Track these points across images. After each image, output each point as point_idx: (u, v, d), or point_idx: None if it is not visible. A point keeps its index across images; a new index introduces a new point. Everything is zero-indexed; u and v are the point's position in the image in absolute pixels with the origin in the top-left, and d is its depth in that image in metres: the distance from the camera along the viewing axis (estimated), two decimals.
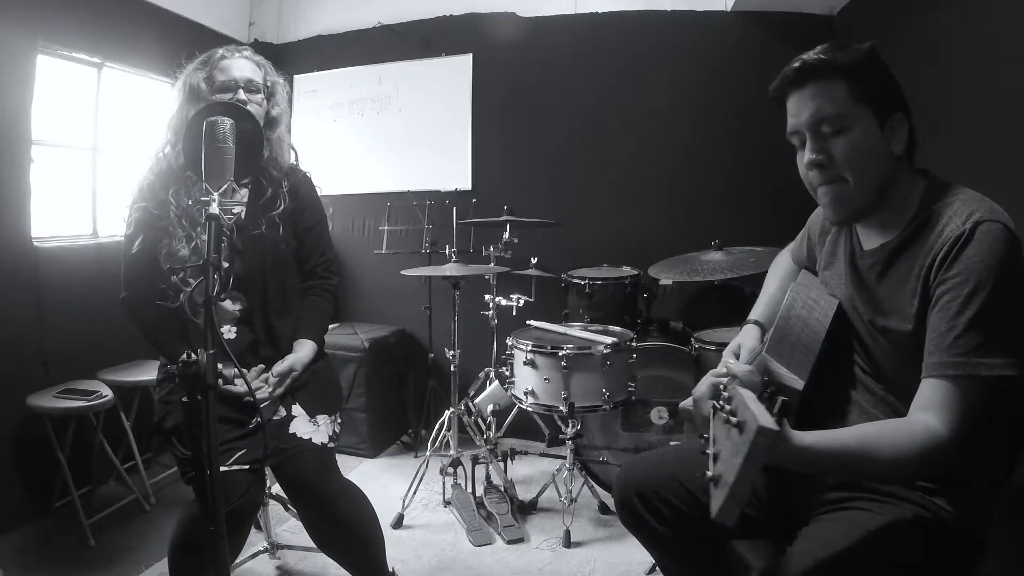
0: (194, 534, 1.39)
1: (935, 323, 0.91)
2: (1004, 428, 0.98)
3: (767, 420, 0.67)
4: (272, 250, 1.57)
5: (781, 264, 1.43)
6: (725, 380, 0.91)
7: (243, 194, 1.58)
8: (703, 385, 0.92)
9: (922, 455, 0.85)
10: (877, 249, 1.04)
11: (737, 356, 1.25)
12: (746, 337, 1.28)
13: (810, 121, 0.99)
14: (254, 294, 1.55)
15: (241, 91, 1.53)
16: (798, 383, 0.98)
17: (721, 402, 0.81)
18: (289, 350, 1.57)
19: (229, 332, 1.55)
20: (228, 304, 1.54)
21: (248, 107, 1.50)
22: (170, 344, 1.52)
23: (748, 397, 0.75)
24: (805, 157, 1.02)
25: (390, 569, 1.74)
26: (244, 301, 1.55)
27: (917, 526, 0.96)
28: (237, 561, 1.95)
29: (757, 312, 1.35)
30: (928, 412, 0.88)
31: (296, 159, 1.72)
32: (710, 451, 0.78)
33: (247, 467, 1.40)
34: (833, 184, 1.01)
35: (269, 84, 1.63)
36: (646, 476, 1.23)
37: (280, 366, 1.51)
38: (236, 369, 1.28)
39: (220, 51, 1.57)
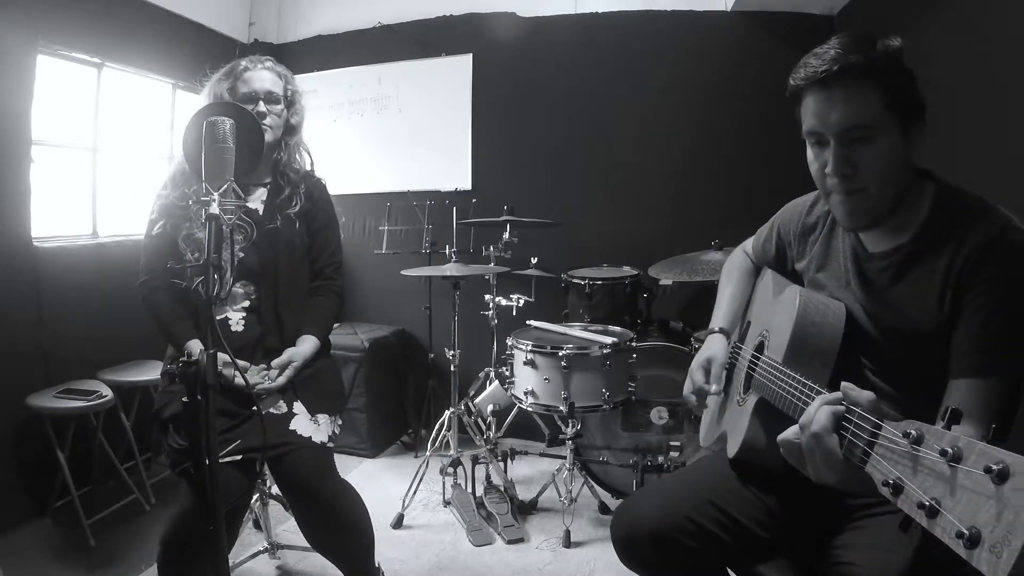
0: (185, 531, 1.41)
1: (968, 325, 0.92)
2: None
3: None
4: (286, 244, 1.65)
5: (737, 263, 1.42)
6: (842, 409, 0.80)
7: (262, 192, 1.68)
8: (822, 417, 0.79)
9: None
10: (889, 252, 1.02)
11: (707, 371, 1.25)
12: (715, 349, 1.27)
13: (839, 127, 0.93)
14: (266, 285, 1.63)
15: (261, 103, 1.63)
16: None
17: (904, 439, 0.69)
18: (293, 342, 1.62)
19: (238, 324, 1.60)
20: (239, 290, 1.60)
21: (267, 118, 1.62)
22: (178, 329, 1.56)
23: (960, 437, 0.65)
24: (829, 164, 0.96)
25: (377, 565, 1.75)
26: (256, 292, 1.62)
27: None
28: (237, 561, 1.96)
29: (719, 318, 1.33)
30: (968, 413, 0.88)
31: (312, 165, 1.81)
32: (924, 501, 0.65)
33: (239, 458, 1.42)
34: (852, 195, 0.97)
35: (290, 93, 1.71)
36: (656, 521, 1.15)
37: (279, 358, 1.56)
38: (235, 366, 1.29)
39: (243, 63, 1.66)
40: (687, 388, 1.29)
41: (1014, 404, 0.90)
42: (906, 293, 1.00)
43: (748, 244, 1.43)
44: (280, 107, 1.67)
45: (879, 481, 0.72)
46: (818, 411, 0.80)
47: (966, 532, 0.61)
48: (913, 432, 0.69)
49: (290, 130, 1.72)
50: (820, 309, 1.07)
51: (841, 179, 0.96)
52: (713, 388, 1.22)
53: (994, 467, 0.60)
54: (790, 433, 0.87)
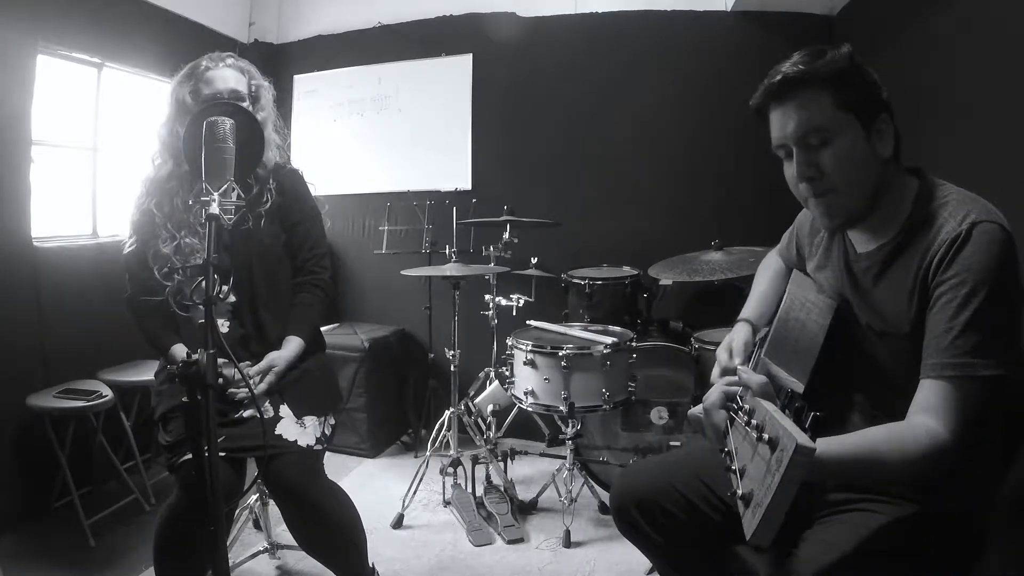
0: (176, 526, 1.42)
1: (933, 324, 0.91)
2: (999, 423, 0.98)
3: (804, 438, 0.63)
4: (259, 245, 1.61)
5: (770, 264, 1.43)
6: (737, 390, 0.87)
7: (236, 194, 1.62)
8: (714, 394, 0.88)
9: (926, 458, 0.85)
10: (873, 252, 1.04)
11: (731, 354, 1.24)
12: (737, 335, 1.27)
13: (796, 134, 0.98)
14: (243, 289, 1.59)
15: None
16: (798, 387, 0.98)
17: (742, 414, 0.77)
18: (278, 345, 1.59)
19: (223, 327, 1.58)
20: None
21: None
22: (162, 338, 1.57)
23: (774, 411, 0.71)
24: (794, 170, 1.00)
25: (372, 565, 1.74)
26: (233, 295, 1.59)
27: (919, 524, 0.97)
28: (237, 561, 1.96)
29: (748, 311, 1.34)
30: (928, 414, 0.88)
31: (288, 158, 1.77)
32: (735, 467, 0.73)
33: (222, 454, 1.40)
34: (823, 197, 1.00)
35: (254, 89, 1.65)
36: (644, 486, 1.22)
37: (259, 364, 1.53)
38: (234, 366, 1.29)
39: (204, 62, 1.59)
40: (714, 374, 1.24)
41: (987, 405, 0.88)
42: (885, 293, 1.01)
43: (779, 246, 1.44)
44: (245, 104, 1.59)
45: (725, 450, 0.80)
46: (714, 390, 0.89)
47: (741, 492, 0.70)
48: (747, 406, 0.75)
49: None
50: (806, 306, 1.08)
51: (809, 183, 1.00)
52: (737, 361, 1.20)
53: (767, 436, 0.68)
54: (697, 409, 0.97)
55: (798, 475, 0.63)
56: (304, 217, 1.70)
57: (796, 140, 0.98)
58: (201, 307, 1.44)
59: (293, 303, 1.66)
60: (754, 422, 0.72)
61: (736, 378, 0.89)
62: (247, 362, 1.55)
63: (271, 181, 1.64)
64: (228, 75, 1.59)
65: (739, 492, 0.69)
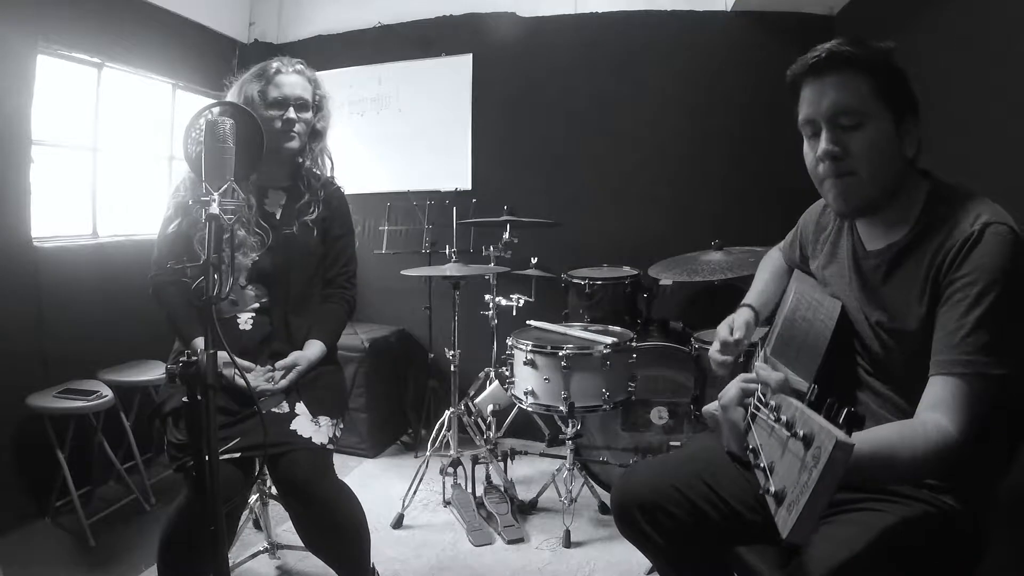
0: (183, 528, 1.41)
1: (944, 322, 0.92)
2: (1004, 422, 0.98)
3: (842, 434, 0.62)
4: (301, 250, 1.66)
5: (773, 259, 1.43)
6: (755, 387, 0.86)
7: (281, 196, 1.69)
8: (731, 391, 0.88)
9: (937, 455, 0.85)
10: (883, 250, 1.04)
11: (731, 330, 1.24)
12: (739, 316, 1.27)
13: (829, 111, 0.97)
14: (277, 289, 1.64)
15: (291, 109, 1.63)
16: (803, 385, 0.98)
17: (766, 410, 0.75)
18: (299, 347, 1.62)
19: (246, 323, 1.60)
20: (250, 292, 1.61)
21: (297, 125, 1.62)
22: (187, 325, 1.56)
23: (804, 407, 0.70)
24: (819, 147, 0.99)
25: (372, 566, 1.75)
26: (267, 295, 1.63)
27: (926, 523, 0.97)
28: (237, 561, 1.96)
29: (751, 297, 1.35)
30: (938, 411, 0.88)
31: (332, 170, 1.81)
32: (762, 463, 0.71)
33: (237, 455, 1.42)
34: (842, 178, 0.99)
35: (318, 99, 1.72)
36: (646, 487, 1.22)
37: (284, 360, 1.57)
38: (235, 366, 1.29)
39: (275, 64, 1.64)
40: (713, 348, 1.26)
41: (994, 403, 0.88)
42: (895, 291, 1.02)
43: (782, 243, 1.45)
44: (309, 114, 1.68)
45: (749, 447, 0.78)
46: (732, 386, 0.89)
47: (774, 490, 0.68)
48: (773, 403, 0.74)
49: (316, 136, 1.72)
50: (812, 305, 1.08)
51: (832, 161, 0.99)
52: (738, 335, 1.20)
53: (801, 432, 0.66)
54: (712, 406, 0.96)
55: (838, 471, 0.62)
56: (343, 234, 1.77)
57: (828, 118, 0.98)
58: (234, 302, 1.46)
59: (320, 310, 1.71)
60: (783, 418, 0.70)
61: (754, 375, 0.89)
62: (268, 366, 1.56)
63: (321, 192, 1.70)
64: (296, 81, 1.64)
65: (771, 489, 0.67)
